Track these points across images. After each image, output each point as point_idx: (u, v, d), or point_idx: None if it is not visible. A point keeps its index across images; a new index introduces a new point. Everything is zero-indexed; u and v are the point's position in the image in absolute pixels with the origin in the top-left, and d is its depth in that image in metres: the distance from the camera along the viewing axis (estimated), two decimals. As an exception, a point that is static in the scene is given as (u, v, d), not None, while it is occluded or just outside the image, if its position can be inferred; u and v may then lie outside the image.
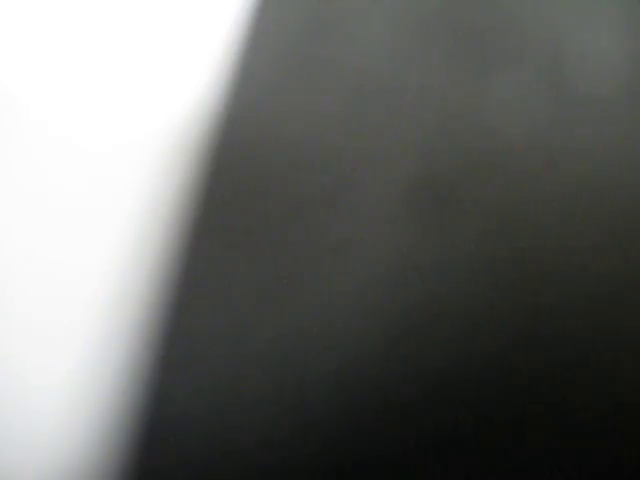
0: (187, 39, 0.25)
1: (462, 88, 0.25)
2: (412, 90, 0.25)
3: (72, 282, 0.23)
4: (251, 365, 0.23)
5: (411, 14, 0.25)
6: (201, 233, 0.24)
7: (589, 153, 0.25)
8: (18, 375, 0.23)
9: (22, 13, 0.25)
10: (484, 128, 0.25)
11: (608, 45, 0.25)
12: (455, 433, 0.23)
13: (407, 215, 0.24)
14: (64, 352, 0.23)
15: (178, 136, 0.24)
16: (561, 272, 0.24)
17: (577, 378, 0.23)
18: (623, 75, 0.25)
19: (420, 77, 0.25)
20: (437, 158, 0.24)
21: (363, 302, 0.23)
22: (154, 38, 0.25)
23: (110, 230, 0.24)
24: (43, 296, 0.23)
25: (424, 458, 0.23)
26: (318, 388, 0.23)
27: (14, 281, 0.23)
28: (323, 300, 0.23)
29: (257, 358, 0.23)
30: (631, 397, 0.23)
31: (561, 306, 0.23)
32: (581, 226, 0.24)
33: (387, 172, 0.24)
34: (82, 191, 0.24)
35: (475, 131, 0.25)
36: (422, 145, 0.24)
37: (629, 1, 0.26)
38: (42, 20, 0.25)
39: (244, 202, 0.24)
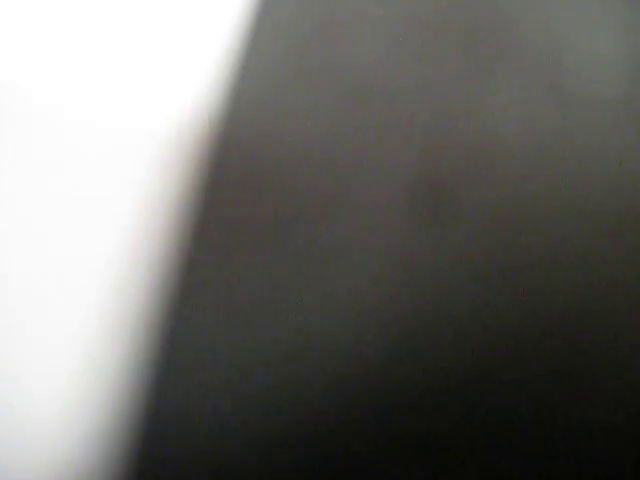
0: (187, 39, 0.25)
1: (462, 90, 0.25)
2: (412, 91, 0.25)
3: (71, 282, 0.23)
4: (251, 366, 0.23)
5: (411, 15, 0.25)
6: (201, 234, 0.24)
7: (589, 155, 0.25)
8: (17, 376, 0.23)
9: (21, 12, 0.25)
10: (484, 130, 0.25)
11: (608, 48, 0.26)
12: (455, 436, 0.23)
13: (407, 217, 0.24)
14: (64, 352, 0.23)
15: (177, 137, 0.24)
16: (563, 274, 0.24)
17: (581, 381, 0.23)
18: (623, 78, 0.25)
19: (420, 79, 0.25)
20: (437, 160, 0.24)
21: (363, 304, 0.23)
22: (154, 37, 0.25)
23: (109, 231, 0.24)
24: (42, 296, 0.23)
25: (424, 460, 0.23)
26: (318, 390, 0.23)
27: (12, 281, 0.23)
28: (323, 302, 0.23)
29: (257, 359, 0.23)
30: (634, 400, 0.23)
31: (565, 309, 0.23)
32: (582, 228, 0.24)
33: (387, 174, 0.24)
34: (81, 192, 0.24)
35: (475, 133, 0.25)
36: (422, 147, 0.24)
37: (629, 4, 0.26)
38: (41, 19, 0.25)
39: (243, 203, 0.24)
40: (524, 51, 0.25)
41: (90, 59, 0.25)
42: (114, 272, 0.23)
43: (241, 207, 0.24)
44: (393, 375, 0.23)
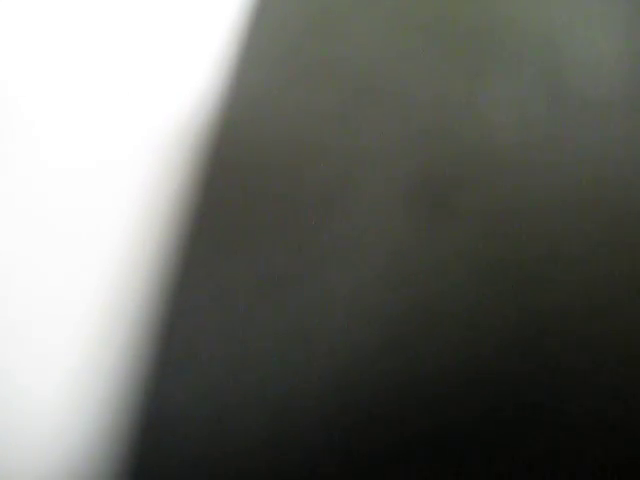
0: (186, 39, 0.25)
1: (461, 90, 0.25)
2: (411, 91, 0.25)
3: (71, 283, 0.23)
4: (249, 366, 0.23)
5: (411, 16, 0.25)
6: (199, 233, 0.24)
7: (587, 154, 0.25)
8: (18, 375, 0.23)
9: (22, 14, 0.25)
10: (482, 129, 0.25)
11: (605, 47, 0.26)
12: (452, 434, 0.23)
13: (405, 216, 0.24)
14: (63, 352, 0.23)
15: (177, 136, 0.24)
16: (560, 271, 0.24)
17: (576, 380, 0.23)
18: (620, 77, 0.25)
19: (419, 79, 0.25)
20: (435, 159, 0.24)
21: (361, 303, 0.23)
22: (154, 38, 0.25)
23: (108, 230, 0.24)
24: (42, 296, 0.23)
25: (421, 459, 0.23)
26: (316, 389, 0.23)
27: (14, 282, 0.23)
28: (321, 301, 0.23)
29: (255, 359, 0.23)
30: (631, 397, 0.23)
31: (560, 308, 0.23)
32: (578, 226, 0.24)
33: (385, 172, 0.24)
34: (81, 191, 0.24)
35: (473, 132, 0.25)
36: (420, 146, 0.24)
37: (627, 4, 0.26)
38: (42, 20, 0.25)
39: (242, 202, 0.24)
40: (523, 51, 0.25)
41: (91, 59, 0.25)
42: (113, 270, 0.23)
43: (240, 205, 0.24)
44: (391, 373, 0.23)
